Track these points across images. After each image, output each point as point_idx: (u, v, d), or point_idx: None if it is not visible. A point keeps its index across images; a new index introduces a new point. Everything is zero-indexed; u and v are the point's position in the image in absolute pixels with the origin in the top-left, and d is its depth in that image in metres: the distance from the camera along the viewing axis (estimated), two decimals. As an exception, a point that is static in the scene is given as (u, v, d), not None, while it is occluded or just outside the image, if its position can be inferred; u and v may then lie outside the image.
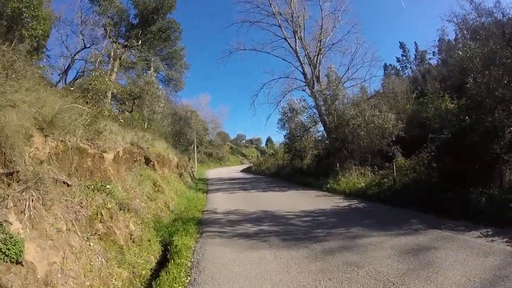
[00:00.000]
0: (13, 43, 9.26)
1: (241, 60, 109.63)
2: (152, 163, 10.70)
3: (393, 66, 55.99)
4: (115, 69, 16.35)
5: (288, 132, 24.30)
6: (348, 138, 15.92)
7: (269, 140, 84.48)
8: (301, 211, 8.78)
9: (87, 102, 6.74)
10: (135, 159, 9.84)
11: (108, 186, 5.94)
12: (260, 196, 12.59)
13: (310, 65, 22.75)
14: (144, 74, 18.23)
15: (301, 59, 22.90)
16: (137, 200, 7.58)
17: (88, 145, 6.31)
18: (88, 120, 6.56)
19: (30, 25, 11.90)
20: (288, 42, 23.65)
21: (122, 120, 10.10)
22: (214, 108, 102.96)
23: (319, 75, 22.51)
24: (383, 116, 16.14)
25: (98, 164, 6.29)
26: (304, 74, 22.61)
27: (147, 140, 11.16)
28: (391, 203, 9.24)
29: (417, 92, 21.22)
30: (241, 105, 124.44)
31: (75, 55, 20.65)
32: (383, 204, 9.39)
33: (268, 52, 23.40)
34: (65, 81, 19.86)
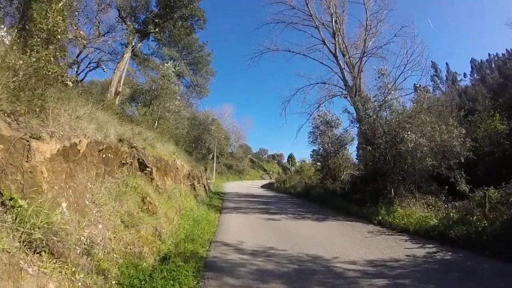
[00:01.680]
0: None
1: (271, 66, 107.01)
2: (149, 169, 7.86)
3: (424, 86, 51.97)
4: (126, 57, 13.91)
5: (320, 147, 21.08)
6: (402, 158, 12.48)
7: (291, 156, 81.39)
8: (365, 262, 5.61)
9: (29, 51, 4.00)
10: (122, 161, 7.08)
11: (21, 202, 3.10)
12: (292, 226, 9.31)
13: (351, 71, 19.64)
14: (161, 66, 15.80)
15: (341, 63, 19.84)
16: (99, 227, 4.66)
17: (7, 122, 3.51)
18: (21, 80, 3.79)
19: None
20: (326, 45, 20.72)
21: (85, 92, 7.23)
22: (237, 119, 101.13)
23: (360, 82, 19.32)
24: (447, 131, 12.71)
25: (20, 159, 3.45)
26: (344, 80, 19.46)
27: (146, 139, 8.37)
28: (492, 254, 6.12)
29: (464, 110, 17.50)
30: (266, 118, 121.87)
31: (88, 42, 18.76)
32: (480, 255, 6.27)
33: (304, 54, 20.50)
34: (77, 71, 17.91)
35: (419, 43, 22.86)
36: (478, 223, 7.39)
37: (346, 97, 18.62)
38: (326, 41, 20.72)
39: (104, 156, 6.22)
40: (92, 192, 5.31)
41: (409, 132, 11.92)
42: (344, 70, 19.75)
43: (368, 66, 20.02)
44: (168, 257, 5.53)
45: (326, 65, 20.05)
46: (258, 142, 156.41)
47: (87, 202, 4.93)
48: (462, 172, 12.50)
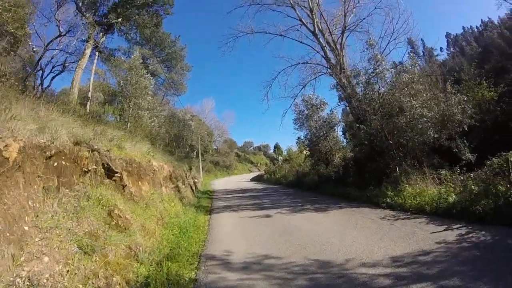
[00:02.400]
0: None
1: (247, 49, 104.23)
2: (118, 175, 6.51)
3: (402, 63, 52.89)
4: (88, 53, 12.27)
5: (308, 132, 20.01)
6: (400, 132, 11.54)
7: (277, 146, 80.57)
8: (392, 261, 4.52)
9: None
10: (84, 169, 5.75)
11: None
12: (292, 221, 8.05)
13: (333, 48, 18.55)
14: (124, 58, 14.18)
15: (321, 41, 18.69)
16: (45, 260, 3.40)
17: None
18: None
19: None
20: (304, 24, 19.49)
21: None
22: (219, 114, 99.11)
23: (343, 60, 18.28)
24: (446, 99, 11.92)
25: None
26: (327, 58, 18.35)
27: (111, 139, 6.98)
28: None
29: (451, 80, 16.81)
30: (248, 111, 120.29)
31: (48, 44, 16.87)
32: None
33: (282, 35, 19.20)
34: (42, 77, 16.02)
35: (403, 10, 21.78)
36: (506, 193, 6.47)
37: (331, 75, 17.48)
38: (303, 20, 19.52)
39: (55, 164, 4.91)
40: (36, 212, 4.00)
41: (409, 99, 10.93)
42: (325, 48, 18.63)
43: (349, 42, 19.03)
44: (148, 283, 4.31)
45: (306, 44, 18.86)
46: (243, 135, 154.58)
47: (26, 228, 3.64)
48: (465, 141, 11.71)
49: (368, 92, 12.77)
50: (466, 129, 11.55)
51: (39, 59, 17.08)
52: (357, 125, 13.84)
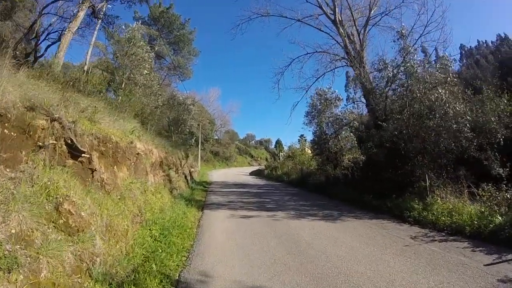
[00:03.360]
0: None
1: (259, 39, 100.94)
2: (86, 155, 5.05)
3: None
4: (81, 16, 10.70)
5: (317, 128, 18.43)
6: (431, 135, 10.01)
7: (278, 142, 79.11)
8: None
9: None
10: (39, 143, 4.35)
11: None
12: (302, 233, 6.43)
13: (352, 41, 16.92)
14: (123, 26, 12.55)
15: (342, 31, 17.03)
16: None
17: None
18: None
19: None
20: (324, 12, 17.82)
21: None
22: (224, 104, 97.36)
23: (363, 54, 16.68)
24: (481, 105, 10.44)
25: None
26: (347, 49, 16.73)
27: (83, 110, 5.50)
28: None
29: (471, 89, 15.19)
30: (252, 103, 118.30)
31: (43, 9, 15.28)
32: None
33: (299, 20, 17.53)
34: (36, 44, 14.47)
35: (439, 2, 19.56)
36: None
37: (351, 66, 15.88)
38: (323, 8, 17.85)
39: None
40: None
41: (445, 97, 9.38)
42: (346, 39, 16.99)
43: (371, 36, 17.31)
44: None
45: (325, 33, 17.20)
46: (245, 128, 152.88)
47: None
48: (496, 153, 10.18)
49: (395, 87, 11.19)
50: (501, 140, 10.01)
51: (32, 24, 15.52)
52: (380, 122, 12.29)
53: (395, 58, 11.93)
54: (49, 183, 3.95)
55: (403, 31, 11.89)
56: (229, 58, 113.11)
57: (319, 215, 8.48)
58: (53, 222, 3.72)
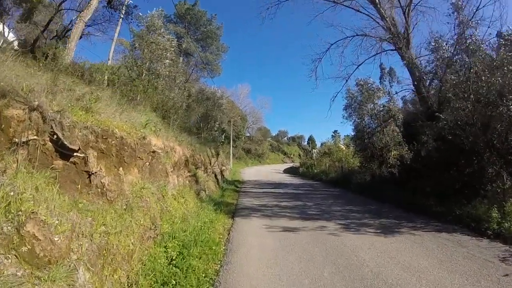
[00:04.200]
0: None
1: (290, 29, 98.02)
2: (79, 154, 3.88)
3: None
4: (94, 4, 9.77)
5: (359, 121, 16.49)
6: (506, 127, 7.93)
7: (311, 139, 76.97)
8: None
9: None
10: (15, 140, 3.20)
11: None
12: (363, 255, 4.75)
13: (393, 24, 14.78)
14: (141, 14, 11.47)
15: (382, 11, 14.94)
16: None
17: None
18: None
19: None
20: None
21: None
22: (254, 101, 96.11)
23: (410, 36, 14.53)
24: None
25: None
26: (391, 31, 14.65)
27: (79, 98, 4.35)
28: None
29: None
30: (284, 99, 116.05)
31: (60, 4, 14.78)
32: None
33: (335, 1, 15.65)
34: (56, 42, 14.01)
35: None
36: None
37: (399, 50, 13.84)
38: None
39: None
40: None
41: None
42: (388, 19, 14.89)
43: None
44: None
45: (365, 14, 15.24)
46: (277, 124, 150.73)
47: None
48: None
49: (455, 70, 9.18)
50: None
51: (49, 21, 15.01)
52: (436, 113, 10.27)
53: (454, 34, 9.85)
54: (12, 193, 2.77)
55: (458, 4, 9.75)
56: (257, 54, 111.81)
57: (375, 225, 6.80)
58: (14, 249, 2.53)
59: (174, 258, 4.30)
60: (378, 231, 6.30)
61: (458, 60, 9.99)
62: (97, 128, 4.13)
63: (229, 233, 6.17)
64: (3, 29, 13.35)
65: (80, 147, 3.91)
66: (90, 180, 4.09)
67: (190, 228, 5.67)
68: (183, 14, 34.15)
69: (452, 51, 10.40)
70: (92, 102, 4.26)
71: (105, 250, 3.50)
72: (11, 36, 14.70)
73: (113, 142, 4.37)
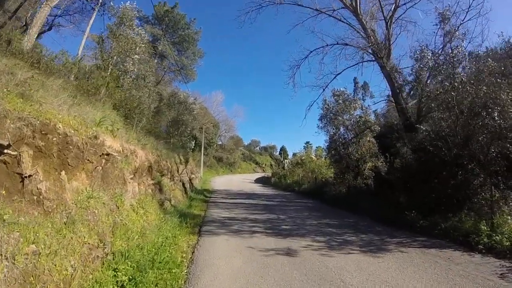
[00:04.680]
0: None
1: (264, 41, 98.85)
2: (10, 152, 3.08)
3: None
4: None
5: (333, 132, 16.40)
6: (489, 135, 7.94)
7: (283, 149, 77.24)
8: None
9: None
10: None
11: None
12: (352, 280, 4.11)
13: (386, 28, 14.91)
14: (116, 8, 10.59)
15: (364, 21, 15.06)
16: None
17: None
18: None
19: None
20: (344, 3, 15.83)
21: None
22: (228, 109, 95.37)
23: (391, 48, 14.67)
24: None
25: None
26: (371, 41, 14.70)
27: (19, 84, 3.54)
28: None
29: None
30: (258, 109, 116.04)
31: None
32: None
33: (317, 9, 15.57)
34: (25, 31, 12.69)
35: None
36: None
37: (379, 59, 13.89)
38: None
39: None
40: None
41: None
42: (370, 30, 15.01)
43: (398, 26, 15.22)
44: None
45: (346, 23, 15.22)
46: (250, 134, 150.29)
47: None
48: None
49: (440, 80, 9.21)
50: None
51: (17, 8, 13.90)
52: (415, 124, 10.25)
53: (441, 44, 9.99)
54: None
55: (445, 13, 9.93)
56: (234, 63, 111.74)
57: (357, 242, 6.34)
58: None
59: (124, 285, 3.56)
60: (363, 249, 5.82)
61: (442, 70, 10.06)
62: (34, 120, 3.36)
63: (193, 252, 5.43)
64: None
65: (11, 143, 3.12)
66: (23, 185, 3.29)
67: (148, 245, 4.92)
68: (161, 16, 33.20)
69: (436, 60, 10.48)
70: (32, 90, 3.48)
71: (33, 276, 2.74)
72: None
73: (54, 139, 3.59)
